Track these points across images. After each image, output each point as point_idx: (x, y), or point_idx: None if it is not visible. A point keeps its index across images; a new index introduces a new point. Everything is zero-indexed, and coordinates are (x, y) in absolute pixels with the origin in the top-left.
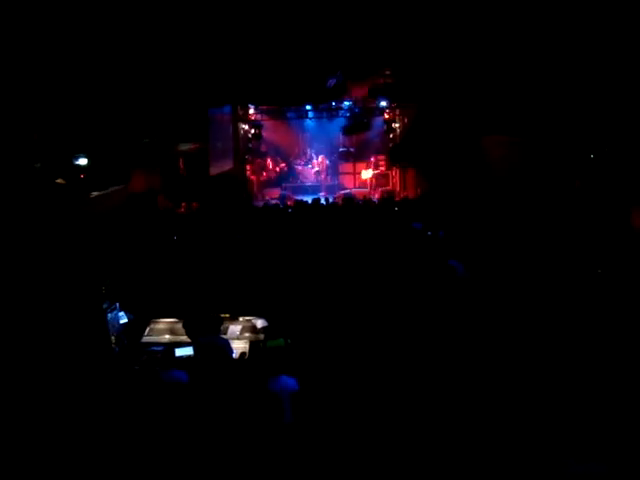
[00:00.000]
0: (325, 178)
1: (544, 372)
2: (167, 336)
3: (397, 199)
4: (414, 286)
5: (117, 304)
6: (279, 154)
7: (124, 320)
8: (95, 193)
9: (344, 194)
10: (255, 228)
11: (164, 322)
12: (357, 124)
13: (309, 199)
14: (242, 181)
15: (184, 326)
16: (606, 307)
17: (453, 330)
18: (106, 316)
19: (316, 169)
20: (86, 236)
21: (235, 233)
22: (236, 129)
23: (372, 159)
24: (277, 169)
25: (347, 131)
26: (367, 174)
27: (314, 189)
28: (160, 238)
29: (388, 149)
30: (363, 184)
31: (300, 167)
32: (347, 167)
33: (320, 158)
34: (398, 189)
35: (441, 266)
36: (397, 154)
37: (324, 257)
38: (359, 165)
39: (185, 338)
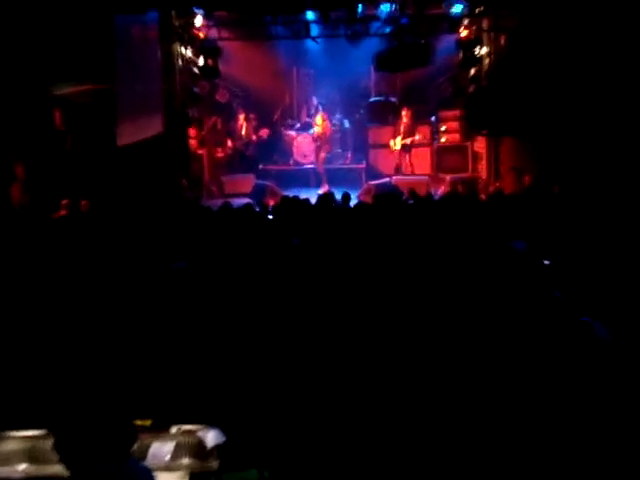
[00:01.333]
0: (323, 155)
1: None
2: (21, 466)
3: (482, 195)
4: (517, 362)
5: None
6: (253, 108)
7: None
8: None
9: (377, 185)
10: (205, 251)
11: (16, 438)
12: (405, 49)
13: (311, 195)
14: (181, 159)
15: (56, 446)
16: None
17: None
18: None
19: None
20: None
21: (166, 260)
22: (169, 57)
23: (403, 115)
24: (253, 137)
25: (384, 63)
26: (394, 145)
27: (320, 176)
28: (13, 264)
29: (465, 98)
30: (415, 166)
31: (293, 134)
32: (383, 134)
33: (319, 117)
34: (485, 176)
35: (567, 323)
36: (484, 109)
37: (339, 311)
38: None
39: (58, 470)
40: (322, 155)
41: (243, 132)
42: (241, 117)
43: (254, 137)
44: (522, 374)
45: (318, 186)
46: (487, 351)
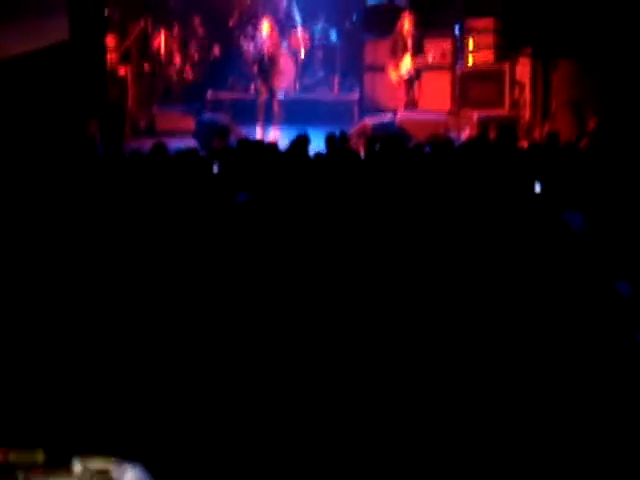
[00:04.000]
0: (275, 84)
1: None
2: None
3: (524, 142)
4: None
5: None
6: (198, 8)
7: None
8: None
9: (376, 125)
10: (121, 216)
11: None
12: None
13: (279, 138)
14: (94, 80)
15: None
16: None
17: None
18: None
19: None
20: None
21: (71, 229)
22: None
23: (405, 24)
24: (195, 55)
25: None
26: (400, 71)
27: (293, 108)
28: None
29: (502, 2)
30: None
31: (253, 46)
32: (385, 51)
33: (265, 26)
34: (528, 116)
35: None
36: (529, 16)
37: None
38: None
39: None
40: (274, 83)
41: (162, 51)
42: (162, 30)
43: (197, 55)
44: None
45: (293, 125)
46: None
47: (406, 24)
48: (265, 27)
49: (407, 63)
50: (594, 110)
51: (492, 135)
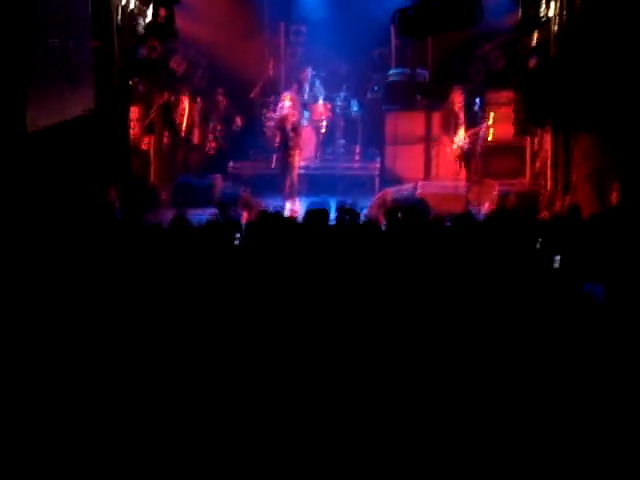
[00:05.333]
0: (295, 159)
1: None
2: None
3: (545, 212)
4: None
5: None
6: (221, 81)
7: None
8: None
9: (396, 196)
10: (145, 291)
11: None
12: (442, 2)
13: (298, 207)
14: (117, 150)
15: None
16: None
17: None
18: None
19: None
20: None
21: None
22: (105, 6)
23: (455, 96)
24: (217, 126)
25: (411, 25)
26: (456, 144)
27: (315, 179)
28: None
29: (524, 75)
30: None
31: (276, 115)
32: (406, 122)
33: (287, 100)
34: (549, 186)
35: None
36: (550, 90)
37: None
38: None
39: None
40: (294, 159)
41: (184, 123)
42: (185, 100)
43: (219, 127)
44: None
45: (311, 195)
46: None
47: (457, 100)
48: (286, 100)
49: (461, 136)
50: (615, 182)
51: (512, 207)
